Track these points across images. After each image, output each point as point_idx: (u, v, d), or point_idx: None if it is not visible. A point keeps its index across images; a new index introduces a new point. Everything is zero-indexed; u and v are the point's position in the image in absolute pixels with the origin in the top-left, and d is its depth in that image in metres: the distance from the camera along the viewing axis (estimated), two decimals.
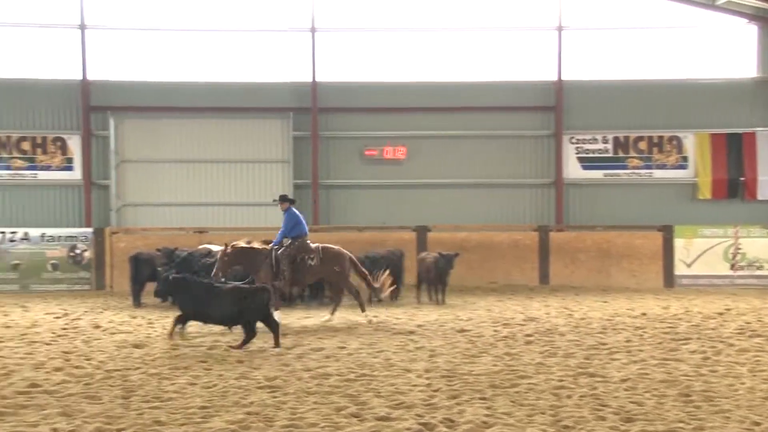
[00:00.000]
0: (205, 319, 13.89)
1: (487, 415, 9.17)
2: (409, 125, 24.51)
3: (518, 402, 9.79)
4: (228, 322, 13.78)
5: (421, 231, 23.45)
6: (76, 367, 11.95)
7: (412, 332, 14.98)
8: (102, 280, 22.25)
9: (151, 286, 19.26)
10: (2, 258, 21.88)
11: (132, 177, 23.78)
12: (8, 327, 15.81)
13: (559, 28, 24.63)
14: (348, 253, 16.76)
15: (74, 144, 23.60)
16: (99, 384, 10.89)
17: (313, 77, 24.17)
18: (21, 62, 23.47)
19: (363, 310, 16.49)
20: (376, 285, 16.83)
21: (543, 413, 9.29)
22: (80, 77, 23.45)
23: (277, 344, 13.40)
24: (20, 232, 22.12)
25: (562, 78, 24.60)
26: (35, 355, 12.95)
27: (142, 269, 19.13)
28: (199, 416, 9.29)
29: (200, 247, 19.55)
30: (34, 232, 22.20)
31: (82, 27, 23.41)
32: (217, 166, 23.99)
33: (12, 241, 21.99)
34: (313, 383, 10.84)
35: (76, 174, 23.55)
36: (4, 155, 23.34)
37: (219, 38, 24.24)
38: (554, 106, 24.63)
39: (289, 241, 16.17)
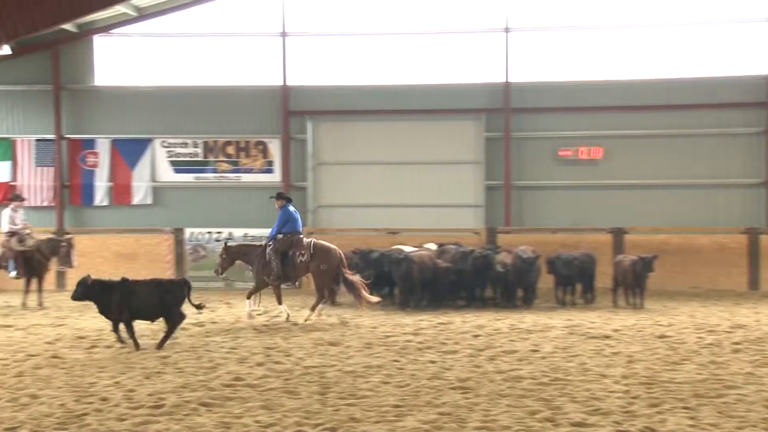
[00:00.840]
0: (130, 317, 13.80)
1: (691, 426, 8.79)
2: (606, 125, 23.87)
3: (726, 413, 9.32)
4: (149, 316, 13.88)
5: (617, 233, 22.78)
6: (277, 363, 12.43)
7: (608, 337, 14.58)
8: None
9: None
10: (209, 257, 23.06)
11: (327, 179, 24.47)
12: (214, 322, 16.65)
13: None
14: (338, 251, 16.98)
15: (275, 147, 24.57)
16: (297, 380, 11.27)
17: (506, 77, 24.02)
18: (227, 71, 24.66)
19: (312, 310, 16.70)
20: (360, 294, 16.74)
21: (754, 426, 8.79)
22: (281, 83, 24.39)
23: (161, 343, 13.52)
24: (225, 232, 23.27)
25: None
26: (239, 349, 13.58)
27: None
28: (392, 414, 9.43)
29: (393, 247, 19.85)
30: (238, 232, 23.26)
31: (283, 35, 24.35)
32: (409, 167, 24.27)
33: (218, 241, 23.13)
34: (506, 386, 10.76)
35: (276, 176, 24.51)
36: (211, 159, 24.62)
37: (411, 41, 24.46)
38: (766, 102, 23.28)
39: (281, 237, 16.73)
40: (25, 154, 24.49)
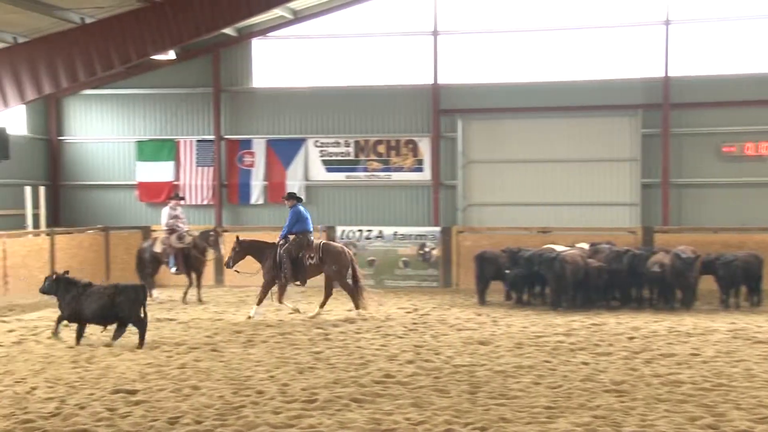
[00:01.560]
0: (81, 319, 14.02)
1: None
2: None
3: None
4: (102, 320, 13.95)
5: None
6: (426, 361, 12.48)
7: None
8: (449, 277, 22.98)
9: (495, 285, 19.68)
10: (360, 254, 23.37)
11: (477, 177, 24.35)
12: (365, 320, 16.88)
13: None
14: (349, 252, 17.67)
15: (424, 146, 24.66)
16: (447, 378, 11.28)
17: (666, 72, 23.22)
18: (378, 70, 24.92)
19: (357, 308, 17.14)
20: (362, 295, 17.26)
21: None
22: (431, 82, 24.47)
23: (140, 345, 13.61)
24: (375, 230, 23.55)
25: None
26: (389, 347, 13.72)
27: (487, 268, 19.50)
28: (544, 416, 9.31)
29: (544, 247, 19.57)
30: (388, 230, 23.48)
31: (435, 33, 24.41)
32: (561, 165, 23.86)
33: (368, 239, 23.46)
34: (664, 390, 10.44)
35: (425, 175, 24.60)
36: (362, 158, 24.96)
37: (563, 37, 24.10)
38: None
39: (293, 237, 17.16)
40: (188, 154, 25.53)
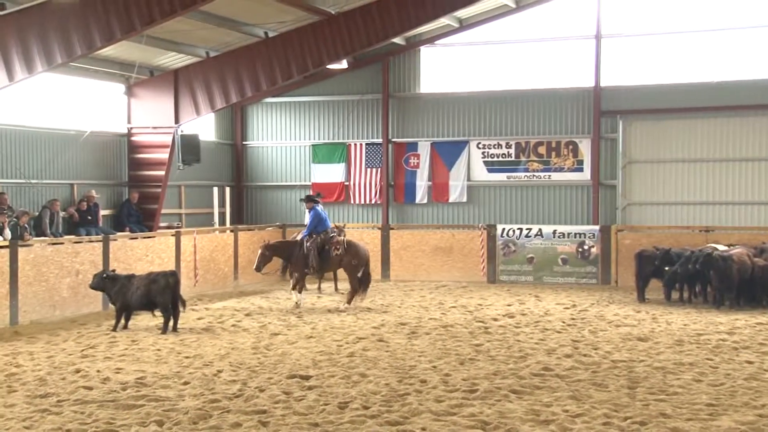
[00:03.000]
0: (129, 308, 14.62)
1: None
2: None
3: None
4: (144, 307, 14.52)
5: None
6: (584, 355, 12.20)
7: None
8: (608, 274, 22.39)
9: (654, 283, 19.02)
10: (519, 252, 23.15)
11: (637, 177, 23.56)
12: (524, 314, 16.66)
13: None
14: (367, 249, 18.51)
15: (584, 147, 24.07)
16: (605, 373, 10.99)
17: None
18: (539, 74, 24.53)
19: (348, 302, 17.53)
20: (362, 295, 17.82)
21: None
22: (592, 84, 23.87)
23: (164, 330, 14.30)
24: (534, 228, 23.24)
25: None
26: (547, 341, 13.49)
27: (646, 266, 18.89)
28: (705, 413, 8.90)
29: (707, 245, 18.74)
30: (547, 228, 23.12)
31: (597, 36, 23.79)
32: (721, 164, 22.70)
33: (527, 236, 23.17)
34: None
35: (585, 175, 24.01)
36: (523, 159, 24.64)
37: (725, 37, 22.90)
38: None
39: (315, 235, 17.88)
40: (358, 156, 25.98)
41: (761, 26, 22.52)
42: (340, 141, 26.06)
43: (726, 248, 18.26)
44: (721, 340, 13.36)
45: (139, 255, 19.03)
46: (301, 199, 19.67)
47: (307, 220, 18.63)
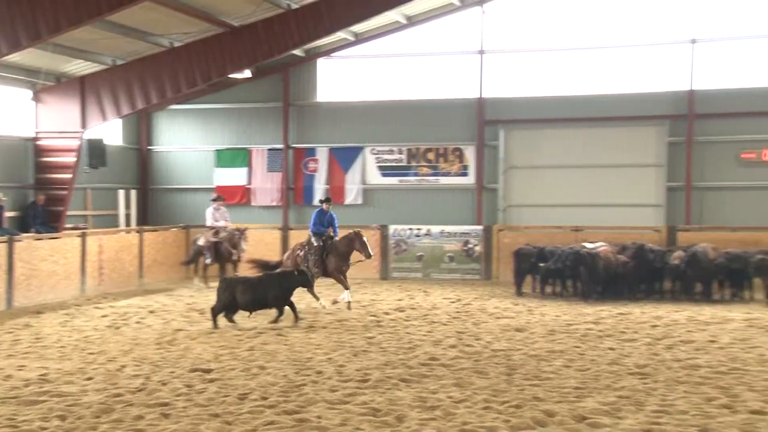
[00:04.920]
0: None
1: None
2: None
3: None
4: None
5: None
6: (468, 346, 12.43)
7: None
8: (490, 271, 22.88)
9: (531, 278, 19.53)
10: (410, 250, 23.42)
11: (516, 181, 24.14)
12: (413, 308, 16.85)
13: None
14: None
15: (470, 153, 24.52)
16: (486, 361, 11.22)
17: (691, 86, 22.75)
18: (429, 85, 24.81)
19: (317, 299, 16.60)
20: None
21: None
22: (477, 96, 24.32)
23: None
24: (424, 228, 23.56)
25: None
26: (434, 333, 13.69)
27: (523, 263, 19.40)
28: (573, 395, 9.20)
29: (581, 244, 19.38)
30: (435, 228, 23.47)
31: (481, 52, 24.24)
32: (593, 170, 23.50)
33: (417, 236, 23.48)
34: (683, 373, 10.25)
35: (470, 179, 24.44)
36: (414, 164, 24.91)
37: (597, 54, 23.73)
38: None
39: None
40: (259, 161, 25.75)
41: (624, 46, 23.42)
42: (243, 146, 25.78)
43: (593, 246, 18.89)
44: (588, 330, 13.84)
45: (44, 255, 18.37)
46: (320, 200, 18.76)
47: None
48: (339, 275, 16.99)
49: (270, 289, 14.41)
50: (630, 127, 23.30)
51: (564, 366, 10.80)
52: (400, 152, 24.86)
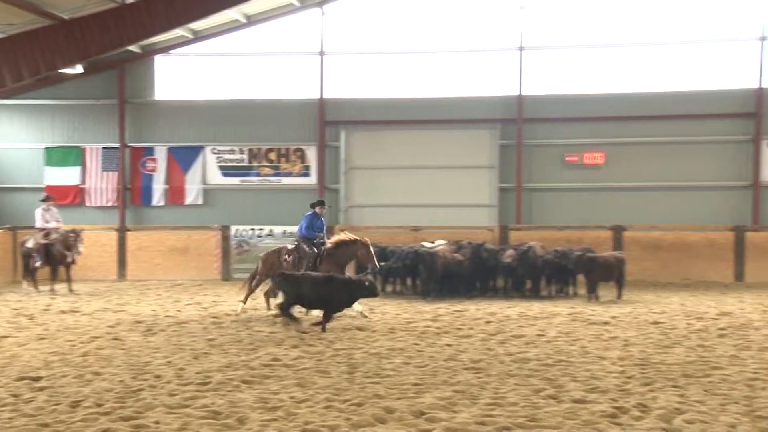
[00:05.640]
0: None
1: (679, 402, 8.68)
2: (608, 133, 23.60)
3: (711, 391, 9.20)
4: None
5: (617, 230, 22.64)
6: (310, 345, 12.41)
7: (606, 323, 14.46)
8: None
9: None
10: (252, 251, 23.18)
11: (358, 181, 24.45)
12: (255, 309, 16.68)
13: (762, 38, 22.92)
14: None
15: (311, 154, 24.59)
16: (328, 360, 11.25)
17: (520, 91, 23.86)
18: (271, 86, 24.71)
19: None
20: None
21: (736, 403, 8.67)
22: (318, 97, 24.42)
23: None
24: (266, 229, 23.41)
25: (763, 86, 22.88)
26: (276, 333, 13.58)
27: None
28: (412, 392, 9.39)
29: (421, 244, 19.84)
30: (277, 229, 23.38)
31: (321, 53, 24.35)
32: (431, 171, 24.19)
33: (259, 236, 23.29)
34: (514, 366, 10.69)
35: (312, 179, 24.53)
36: (255, 164, 24.69)
37: (433, 59, 24.40)
38: (754, 113, 22.94)
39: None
40: (93, 160, 24.69)
41: (459, 51, 24.22)
42: (76, 145, 24.63)
43: (432, 245, 19.40)
44: (427, 327, 14.18)
45: None
46: (326, 206, 17.37)
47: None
48: None
49: (338, 292, 13.86)
50: (465, 130, 24.12)
51: (404, 363, 11.00)
52: (242, 152, 24.57)
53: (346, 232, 16.85)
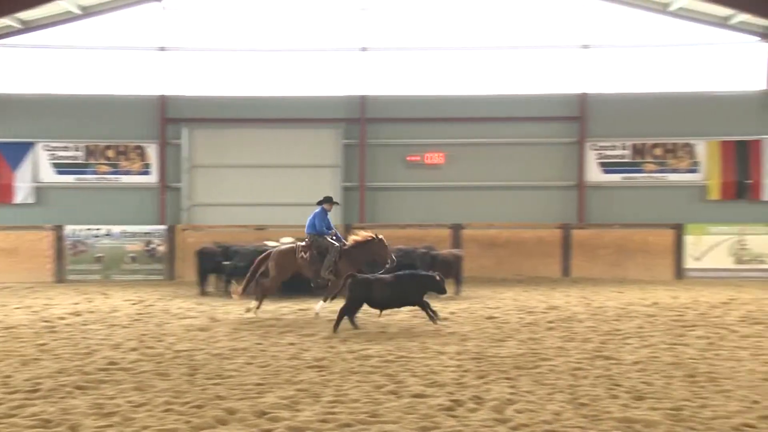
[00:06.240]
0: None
1: (511, 393, 9.08)
2: (448, 134, 24.39)
3: (540, 382, 9.68)
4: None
5: (456, 228, 23.39)
6: (149, 348, 12.08)
7: (445, 319, 14.89)
8: (173, 271, 22.51)
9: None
10: (88, 251, 22.25)
11: (201, 180, 24.00)
12: (91, 312, 16.04)
13: (584, 46, 24.35)
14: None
15: (152, 151, 23.89)
16: (169, 362, 10.98)
17: (363, 91, 24.17)
18: (109, 81, 23.81)
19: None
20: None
21: (562, 392, 9.17)
22: (159, 93, 23.74)
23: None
24: (104, 228, 22.52)
25: (586, 91, 24.33)
26: (114, 336, 13.12)
27: (206, 262, 19.31)
28: (255, 392, 9.32)
29: (263, 242, 19.71)
30: (116, 228, 22.55)
31: (162, 49, 23.69)
32: (276, 170, 24.10)
33: (96, 236, 22.38)
34: (356, 364, 10.82)
35: (152, 178, 23.84)
36: (92, 162, 23.70)
37: (277, 57, 24.34)
38: (579, 117, 24.35)
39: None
40: None
41: (301, 50, 24.25)
42: None
43: (276, 244, 19.29)
44: (270, 326, 14.12)
45: None
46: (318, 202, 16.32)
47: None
48: (337, 281, 15.13)
49: (411, 289, 13.48)
50: (310, 129, 24.19)
51: (246, 363, 10.90)
52: (77, 149, 23.53)
53: (362, 231, 16.34)
